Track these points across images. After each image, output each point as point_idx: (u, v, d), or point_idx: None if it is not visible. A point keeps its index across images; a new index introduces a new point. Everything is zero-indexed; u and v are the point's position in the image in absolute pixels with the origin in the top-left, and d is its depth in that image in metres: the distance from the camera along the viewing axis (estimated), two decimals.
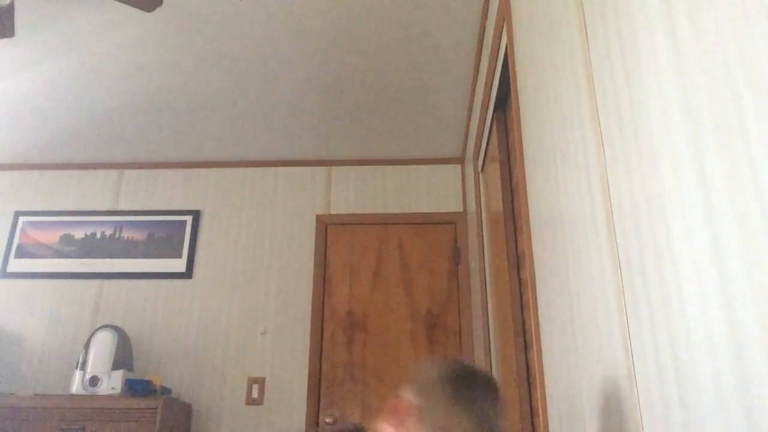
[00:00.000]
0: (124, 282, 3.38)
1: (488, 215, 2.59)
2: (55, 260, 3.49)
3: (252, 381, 3.11)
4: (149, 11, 2.14)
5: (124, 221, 3.56)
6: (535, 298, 1.51)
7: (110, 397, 2.73)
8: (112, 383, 2.81)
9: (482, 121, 2.55)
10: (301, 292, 3.35)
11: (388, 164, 3.66)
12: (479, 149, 2.71)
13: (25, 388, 3.15)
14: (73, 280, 3.43)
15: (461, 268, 3.38)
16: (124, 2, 2.08)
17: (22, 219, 3.60)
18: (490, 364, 2.54)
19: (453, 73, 2.79)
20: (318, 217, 3.55)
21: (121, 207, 3.62)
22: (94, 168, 3.72)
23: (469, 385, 0.88)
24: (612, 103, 0.91)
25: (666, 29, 0.71)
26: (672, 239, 0.70)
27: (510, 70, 1.79)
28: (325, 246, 3.49)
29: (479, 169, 2.81)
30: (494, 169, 2.32)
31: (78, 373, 2.89)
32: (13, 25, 2.11)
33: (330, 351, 3.25)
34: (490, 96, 2.28)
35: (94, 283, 3.41)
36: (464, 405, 0.85)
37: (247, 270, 3.40)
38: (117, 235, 3.53)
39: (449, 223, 3.51)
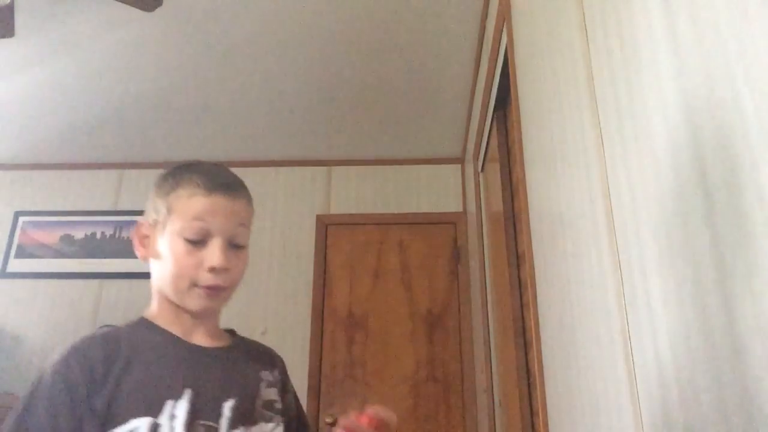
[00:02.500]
0: (124, 282, 3.38)
1: (488, 215, 2.59)
2: (55, 260, 3.49)
3: None
4: (149, 11, 2.14)
5: (124, 221, 3.56)
6: (535, 298, 1.51)
7: None
8: None
9: (482, 121, 2.55)
10: (301, 292, 3.35)
11: (388, 164, 3.66)
12: (479, 149, 2.71)
13: (25, 388, 3.14)
14: (73, 280, 3.43)
15: (461, 268, 3.38)
16: (124, 2, 2.08)
17: (22, 219, 3.60)
18: (490, 364, 2.54)
19: (453, 73, 2.79)
20: (318, 217, 3.55)
21: (121, 207, 3.62)
22: (94, 168, 3.73)
23: None
24: (612, 103, 0.91)
25: (666, 29, 0.71)
26: (672, 239, 0.70)
27: (510, 70, 1.79)
28: (325, 246, 3.49)
29: (479, 169, 2.81)
30: (494, 169, 2.32)
31: None
32: (13, 25, 2.11)
33: (330, 351, 3.25)
34: (490, 96, 2.28)
35: (94, 283, 3.41)
36: None
37: (247, 270, 3.39)
38: (117, 235, 3.53)
39: (449, 223, 3.51)
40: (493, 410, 2.47)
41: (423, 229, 3.51)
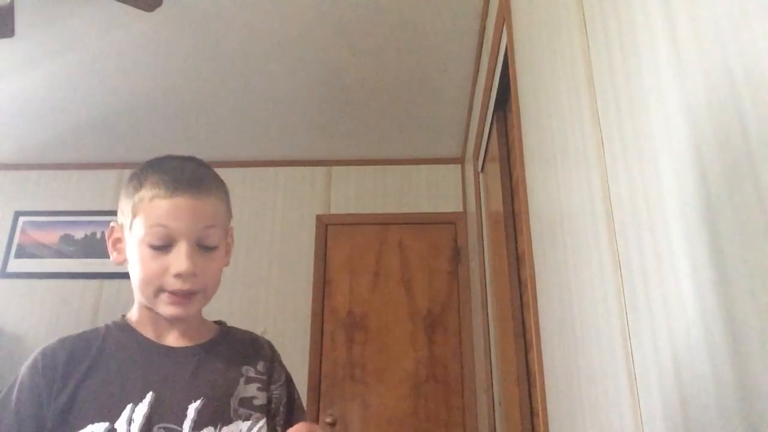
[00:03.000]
0: (124, 282, 3.37)
1: (488, 215, 2.59)
2: (55, 260, 3.49)
3: None
4: (149, 11, 2.14)
5: None
6: (535, 298, 1.51)
7: None
8: None
9: (482, 121, 2.55)
10: (301, 292, 3.35)
11: (388, 164, 3.66)
12: (479, 149, 2.70)
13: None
14: (73, 280, 3.43)
15: (461, 268, 3.38)
16: (124, 2, 2.08)
17: (22, 219, 3.60)
18: (490, 364, 2.55)
19: (453, 73, 2.79)
20: (318, 217, 3.55)
21: None
22: (94, 168, 3.73)
23: None
24: (612, 103, 0.91)
25: (666, 29, 0.71)
26: (672, 239, 0.70)
27: (510, 70, 1.79)
28: (325, 246, 3.49)
29: (479, 169, 2.81)
30: (494, 169, 2.32)
31: None
32: (13, 25, 2.11)
33: (330, 351, 3.25)
34: (490, 96, 2.28)
35: (94, 283, 3.41)
36: None
37: (247, 270, 3.40)
38: None
39: (449, 223, 3.51)
40: (493, 410, 2.47)
41: (423, 229, 3.51)
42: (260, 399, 0.83)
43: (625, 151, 0.85)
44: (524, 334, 1.89)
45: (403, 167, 3.66)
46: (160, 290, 0.79)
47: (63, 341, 0.81)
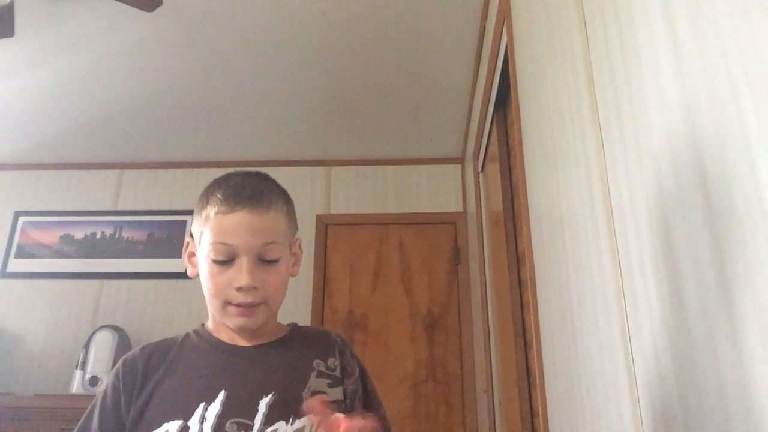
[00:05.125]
0: (124, 282, 3.38)
1: (488, 215, 2.59)
2: (55, 260, 3.49)
3: None
4: (149, 11, 2.14)
5: (124, 221, 3.56)
6: (535, 298, 1.51)
7: None
8: None
9: (482, 121, 2.55)
10: (301, 292, 3.35)
11: (388, 164, 3.66)
12: (479, 149, 2.70)
13: (25, 388, 3.14)
14: (73, 280, 3.43)
15: (461, 268, 3.38)
16: (124, 2, 2.08)
17: (22, 219, 3.60)
18: (490, 364, 2.54)
19: (453, 73, 2.79)
20: (318, 217, 3.55)
21: (121, 207, 3.62)
22: (94, 168, 3.73)
23: None
24: (612, 103, 0.91)
25: (666, 29, 0.71)
26: (672, 239, 0.70)
27: (510, 70, 1.79)
28: (325, 246, 3.49)
29: (479, 169, 2.81)
30: (494, 169, 2.32)
31: (78, 373, 2.89)
32: (13, 25, 2.11)
33: None
34: (490, 96, 2.28)
35: (94, 283, 3.41)
36: None
37: None
38: (117, 235, 3.53)
39: (449, 223, 3.51)
40: (493, 410, 2.47)
41: (423, 229, 3.51)
42: (331, 395, 0.83)
43: (625, 151, 0.85)
44: (524, 334, 1.88)
45: (403, 167, 3.66)
46: (226, 303, 0.82)
47: (143, 348, 0.86)
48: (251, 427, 0.76)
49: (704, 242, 0.62)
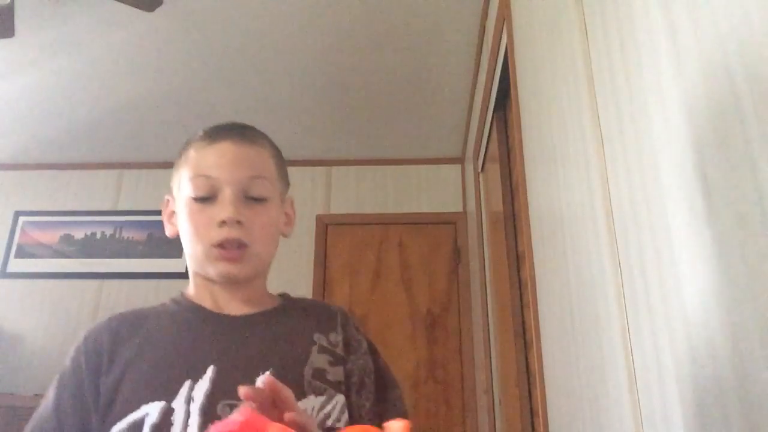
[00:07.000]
0: (124, 282, 3.38)
1: (488, 215, 2.59)
2: (55, 260, 3.49)
3: None
4: (149, 11, 2.14)
5: (124, 221, 3.56)
6: (535, 298, 1.51)
7: None
8: None
9: (482, 121, 2.55)
10: (301, 292, 3.34)
11: (388, 164, 3.66)
12: (479, 149, 2.70)
13: (25, 388, 3.14)
14: (73, 280, 3.43)
15: (461, 268, 3.38)
16: (124, 2, 2.08)
17: (22, 219, 3.60)
18: (490, 364, 2.54)
19: (453, 73, 2.79)
20: (318, 217, 3.55)
21: (121, 207, 3.62)
22: (94, 168, 3.72)
23: None
24: (612, 103, 0.91)
25: (666, 29, 0.71)
26: (672, 239, 0.70)
27: (510, 70, 1.79)
28: (325, 246, 3.49)
29: (479, 169, 2.81)
30: (494, 169, 2.32)
31: None
32: (13, 25, 2.11)
33: None
34: (490, 96, 2.28)
35: (94, 283, 3.41)
36: None
37: None
38: (117, 235, 3.53)
39: (449, 223, 3.51)
40: (493, 410, 2.47)
41: (423, 229, 3.51)
42: (333, 374, 0.72)
43: (625, 151, 0.85)
44: (524, 334, 1.88)
45: (403, 167, 3.66)
46: (209, 246, 0.72)
47: (110, 320, 0.75)
48: None
49: (704, 242, 0.62)
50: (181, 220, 0.76)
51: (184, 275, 3.82)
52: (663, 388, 0.73)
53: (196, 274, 0.78)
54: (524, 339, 1.88)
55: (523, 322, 1.90)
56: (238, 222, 0.72)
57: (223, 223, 0.71)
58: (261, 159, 0.77)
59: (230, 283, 0.75)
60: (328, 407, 0.69)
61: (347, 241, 3.50)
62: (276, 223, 0.79)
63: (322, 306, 0.83)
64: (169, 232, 0.81)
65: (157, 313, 0.77)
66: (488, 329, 2.60)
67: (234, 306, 0.76)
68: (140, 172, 3.69)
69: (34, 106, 3.07)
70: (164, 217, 0.82)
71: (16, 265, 3.48)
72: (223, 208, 0.72)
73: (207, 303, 0.76)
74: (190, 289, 0.79)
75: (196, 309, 0.76)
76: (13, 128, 3.30)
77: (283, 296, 0.84)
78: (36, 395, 2.90)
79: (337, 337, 0.76)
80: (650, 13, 0.75)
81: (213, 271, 0.73)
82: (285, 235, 0.82)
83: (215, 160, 0.74)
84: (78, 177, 3.71)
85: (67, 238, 3.54)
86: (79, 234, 3.55)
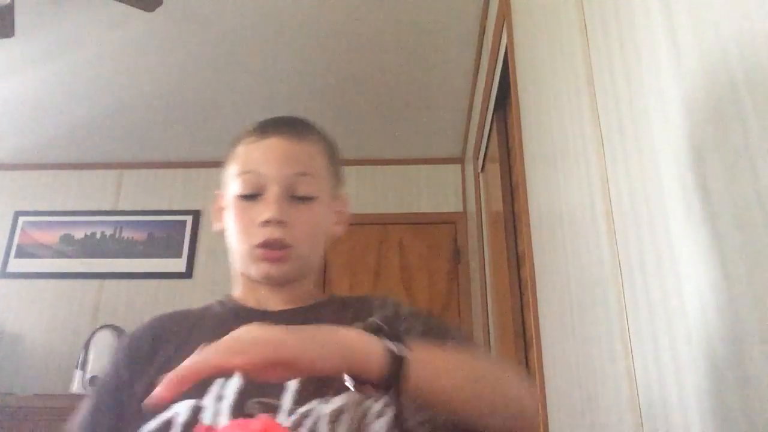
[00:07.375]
0: (124, 282, 3.38)
1: (488, 215, 2.59)
2: (55, 260, 3.48)
3: None
4: (149, 11, 2.14)
5: (124, 221, 3.56)
6: (535, 298, 1.51)
7: None
8: None
9: (482, 121, 2.55)
10: None
11: (388, 164, 3.66)
12: (479, 149, 2.70)
13: (25, 388, 3.14)
14: (73, 280, 3.42)
15: (461, 268, 3.38)
16: (124, 2, 2.08)
17: (22, 219, 3.59)
18: None
19: (453, 73, 2.79)
20: None
21: (121, 207, 3.62)
22: (94, 168, 3.72)
23: None
24: (612, 103, 0.91)
25: (666, 29, 0.71)
26: (672, 239, 0.70)
27: (510, 70, 1.79)
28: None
29: (479, 169, 2.81)
30: (494, 169, 2.32)
31: (78, 373, 2.89)
32: (13, 25, 2.11)
33: None
34: (490, 96, 2.28)
35: (94, 283, 3.41)
36: None
37: None
38: (117, 235, 3.52)
39: (449, 223, 3.51)
40: None
41: (423, 229, 3.51)
42: None
43: (625, 151, 0.85)
44: (524, 334, 1.88)
45: (403, 167, 3.65)
46: (252, 246, 0.71)
47: (152, 320, 0.75)
48: (278, 408, 0.61)
49: (704, 242, 0.62)
50: (228, 218, 0.76)
51: (183, 275, 3.80)
52: (663, 388, 0.73)
53: (242, 274, 0.77)
54: (524, 339, 1.88)
55: (523, 322, 1.90)
56: (282, 222, 0.70)
57: (266, 222, 0.70)
58: (309, 155, 0.75)
59: (273, 283, 0.74)
60: (368, 401, 0.64)
61: (347, 241, 3.50)
62: (322, 222, 0.77)
63: (363, 298, 0.80)
64: (215, 227, 0.80)
65: (200, 314, 0.76)
66: (488, 329, 2.60)
67: (274, 305, 0.75)
68: (140, 172, 3.69)
69: (34, 106, 3.07)
70: (213, 213, 0.82)
71: (16, 265, 3.48)
72: (267, 207, 0.70)
73: (251, 303, 0.75)
74: (236, 288, 0.79)
75: (238, 309, 0.75)
76: (13, 128, 3.30)
77: (331, 295, 0.82)
78: (36, 395, 2.90)
79: (380, 320, 0.70)
80: (650, 13, 0.75)
81: (255, 271, 0.72)
82: (335, 235, 0.81)
83: (262, 156, 0.73)
84: (78, 177, 3.71)
85: (67, 238, 3.54)
86: (79, 234, 3.54)
